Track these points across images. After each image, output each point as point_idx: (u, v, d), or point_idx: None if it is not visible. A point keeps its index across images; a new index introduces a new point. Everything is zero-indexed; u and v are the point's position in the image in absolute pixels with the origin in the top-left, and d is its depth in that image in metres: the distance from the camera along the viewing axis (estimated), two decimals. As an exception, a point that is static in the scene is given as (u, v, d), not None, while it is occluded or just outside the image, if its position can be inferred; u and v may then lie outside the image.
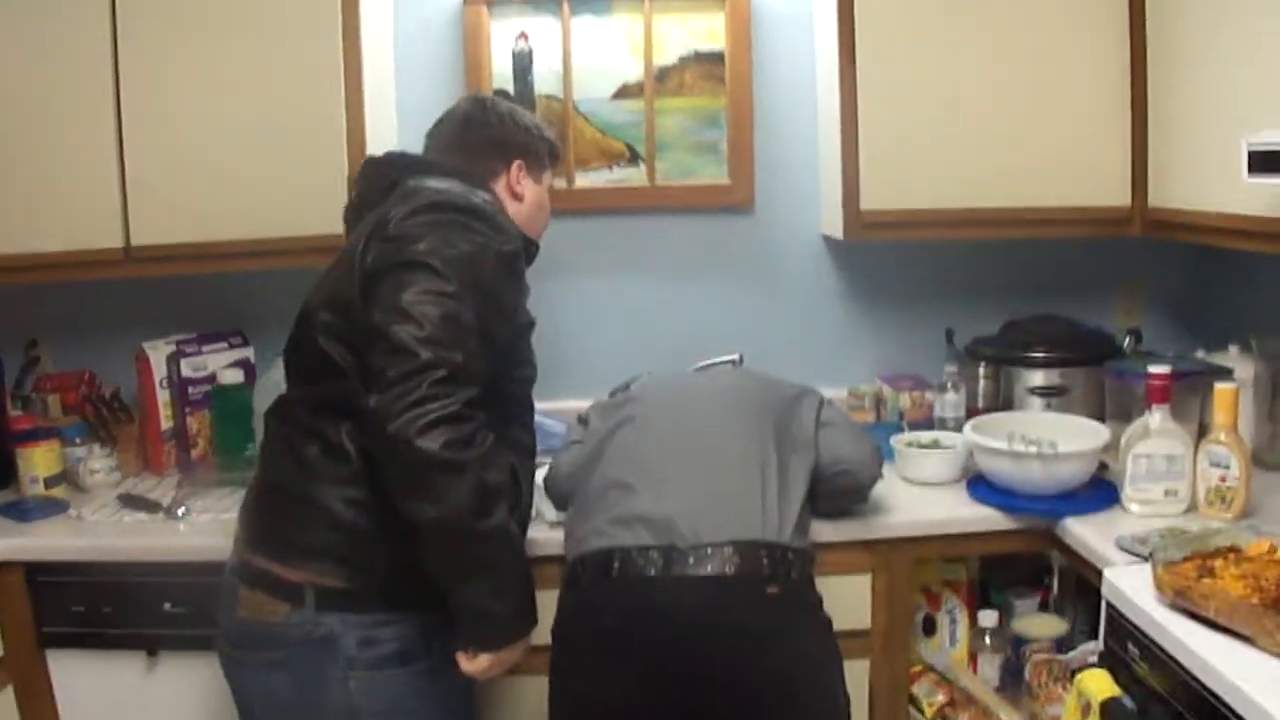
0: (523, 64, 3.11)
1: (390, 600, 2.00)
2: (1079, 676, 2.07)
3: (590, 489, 2.26)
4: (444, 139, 2.32)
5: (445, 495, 1.83)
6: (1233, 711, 1.67)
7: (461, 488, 1.84)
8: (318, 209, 2.72)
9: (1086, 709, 2.01)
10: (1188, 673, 1.80)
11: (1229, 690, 1.69)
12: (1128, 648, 2.01)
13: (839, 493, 2.45)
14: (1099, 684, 2.01)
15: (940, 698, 2.61)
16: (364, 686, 1.98)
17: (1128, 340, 3.02)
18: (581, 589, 2.13)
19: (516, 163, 2.30)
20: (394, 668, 2.01)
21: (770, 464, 2.22)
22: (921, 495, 2.69)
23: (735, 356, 2.86)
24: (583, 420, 2.53)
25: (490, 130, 2.30)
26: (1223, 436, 2.36)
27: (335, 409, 1.99)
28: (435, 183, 2.11)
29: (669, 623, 2.04)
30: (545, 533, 2.50)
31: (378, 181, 2.19)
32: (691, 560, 2.06)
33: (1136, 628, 1.98)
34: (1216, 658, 1.75)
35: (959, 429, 2.81)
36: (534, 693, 2.31)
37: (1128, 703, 1.95)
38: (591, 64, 3.14)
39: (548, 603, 2.17)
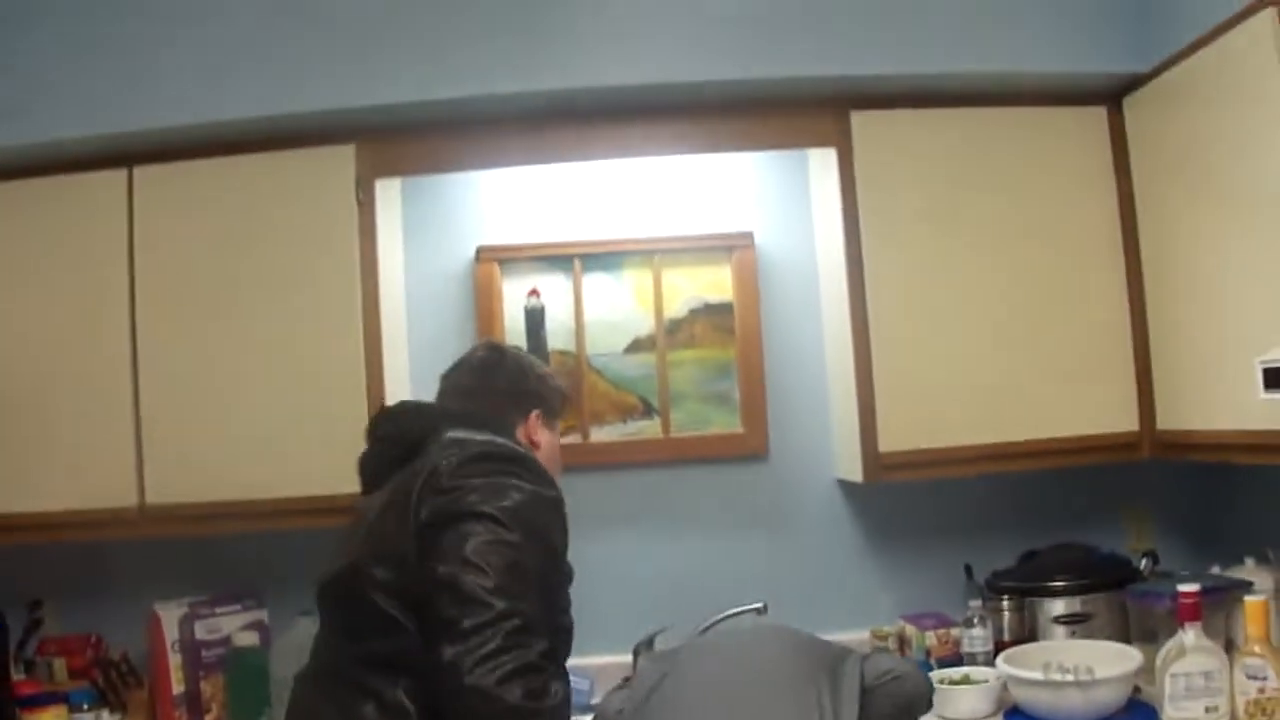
0: (535, 320, 3.20)
1: None
2: None
3: None
4: (462, 386, 2.33)
5: None
6: None
7: None
8: (336, 469, 2.65)
9: None
10: None
11: None
12: None
13: (895, 703, 2.38)
14: None
15: None
16: None
17: (1144, 562, 3.03)
18: None
19: (535, 412, 2.32)
20: None
21: (825, 697, 2.21)
22: (960, 731, 2.64)
23: (759, 605, 2.88)
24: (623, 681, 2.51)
25: (509, 378, 2.33)
26: (1257, 649, 2.35)
27: (390, 666, 1.93)
28: (473, 434, 2.11)
29: None
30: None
31: (409, 431, 2.17)
32: None
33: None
34: None
35: (988, 663, 2.81)
36: None
37: None
38: (603, 318, 3.25)
39: None
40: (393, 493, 2.03)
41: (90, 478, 2.86)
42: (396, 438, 2.18)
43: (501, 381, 2.32)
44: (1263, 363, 2.11)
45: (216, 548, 3.15)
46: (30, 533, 2.87)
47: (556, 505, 2.03)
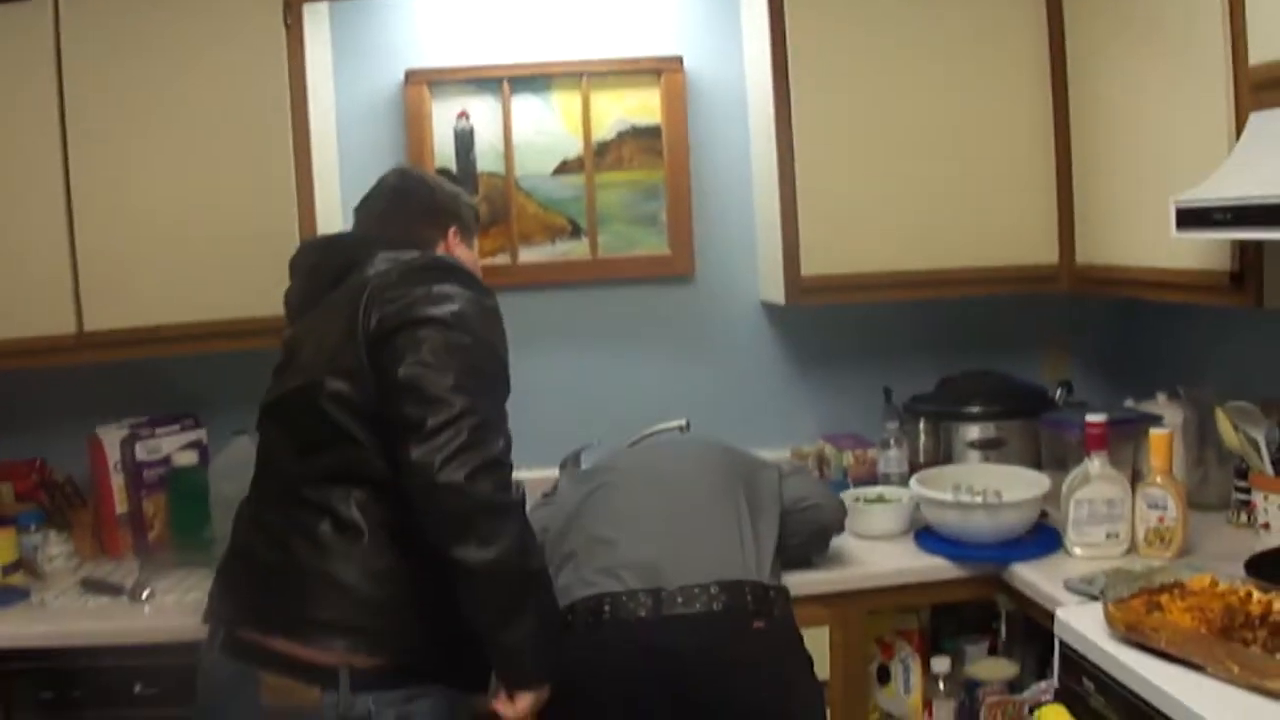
0: (464, 142, 3.20)
1: (421, 674, 2.01)
2: (1038, 713, 2.16)
3: (567, 547, 2.33)
4: (377, 212, 2.37)
5: (497, 538, 1.88)
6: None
7: (511, 529, 1.91)
8: (268, 291, 2.70)
9: (1049, 743, 2.10)
10: (1144, 702, 1.90)
11: (1186, 716, 1.78)
12: (1083, 683, 2.11)
13: (807, 530, 2.55)
14: (1058, 718, 2.10)
15: (898, 745, 2.69)
16: None
17: (1059, 392, 3.14)
18: (574, 635, 2.16)
19: (452, 229, 2.37)
20: None
21: (743, 513, 2.33)
22: (872, 548, 2.78)
23: (681, 422, 2.95)
24: (547, 495, 2.60)
25: (421, 200, 2.37)
26: (1159, 480, 2.49)
27: (343, 480, 2.01)
28: (402, 253, 2.15)
29: (663, 661, 2.10)
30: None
31: (337, 261, 2.21)
32: (680, 600, 2.14)
33: (1091, 663, 2.07)
34: (1172, 686, 1.84)
35: (903, 484, 2.93)
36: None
37: (1089, 739, 2.05)
38: (532, 141, 3.24)
39: None
40: (333, 312, 2.09)
41: (27, 306, 2.84)
42: (324, 268, 2.23)
43: (415, 204, 2.36)
44: (1177, 203, 2.15)
45: (153, 371, 3.17)
46: None
47: (496, 313, 2.11)
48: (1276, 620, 1.90)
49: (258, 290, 2.79)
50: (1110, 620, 2.04)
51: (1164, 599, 2.04)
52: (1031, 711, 2.22)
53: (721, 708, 2.10)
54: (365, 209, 2.39)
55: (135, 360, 3.02)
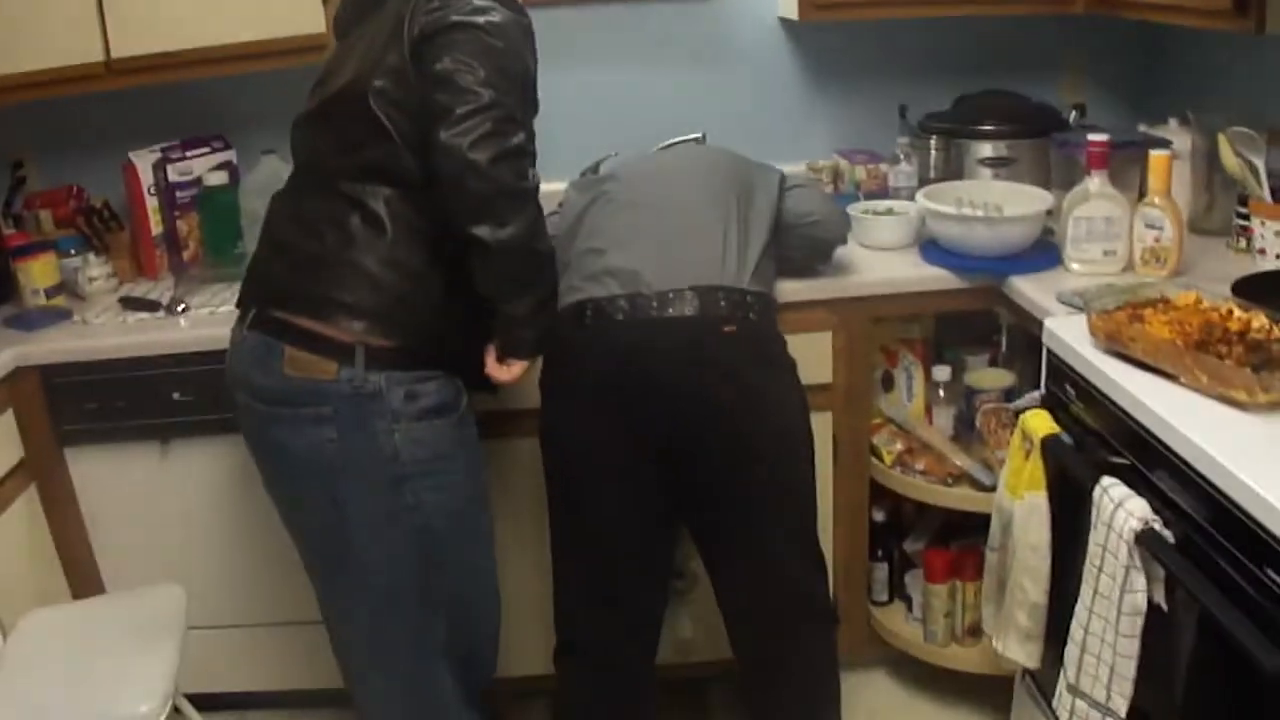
0: None
1: (429, 359, 2.18)
2: (1022, 418, 2.30)
3: (563, 256, 2.44)
4: None
5: (513, 218, 2.06)
6: (1157, 439, 1.90)
7: (527, 212, 2.09)
8: (293, 11, 2.85)
9: (1029, 447, 2.24)
10: (1118, 408, 2.03)
11: (1155, 421, 1.91)
12: (1065, 390, 2.24)
13: (809, 244, 2.65)
14: (1040, 423, 2.24)
15: (899, 446, 2.84)
16: (407, 436, 2.15)
17: (1073, 115, 3.13)
18: (559, 338, 2.31)
19: None
20: (433, 419, 2.19)
21: (732, 220, 2.41)
22: (878, 258, 2.88)
23: (698, 135, 3.00)
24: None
25: None
26: (1157, 200, 2.53)
27: (377, 175, 2.14)
28: None
29: (638, 359, 2.26)
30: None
31: None
32: (655, 305, 2.26)
33: (1073, 370, 2.20)
34: (1144, 393, 1.97)
35: (912, 198, 2.98)
36: (517, 451, 2.67)
37: (1066, 439, 2.19)
38: None
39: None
40: (379, 22, 2.19)
41: (55, 36, 2.86)
42: None
43: None
44: None
45: (181, 95, 3.21)
46: (3, 95, 2.89)
47: (530, 31, 2.22)
48: (1253, 338, 1.98)
49: (281, 10, 2.85)
50: (1093, 330, 2.15)
51: (1147, 312, 2.14)
52: (1018, 416, 2.35)
53: (693, 406, 2.24)
54: None
55: (164, 85, 3.04)
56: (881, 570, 3.04)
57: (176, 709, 2.45)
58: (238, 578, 2.91)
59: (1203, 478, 1.75)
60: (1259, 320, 2.03)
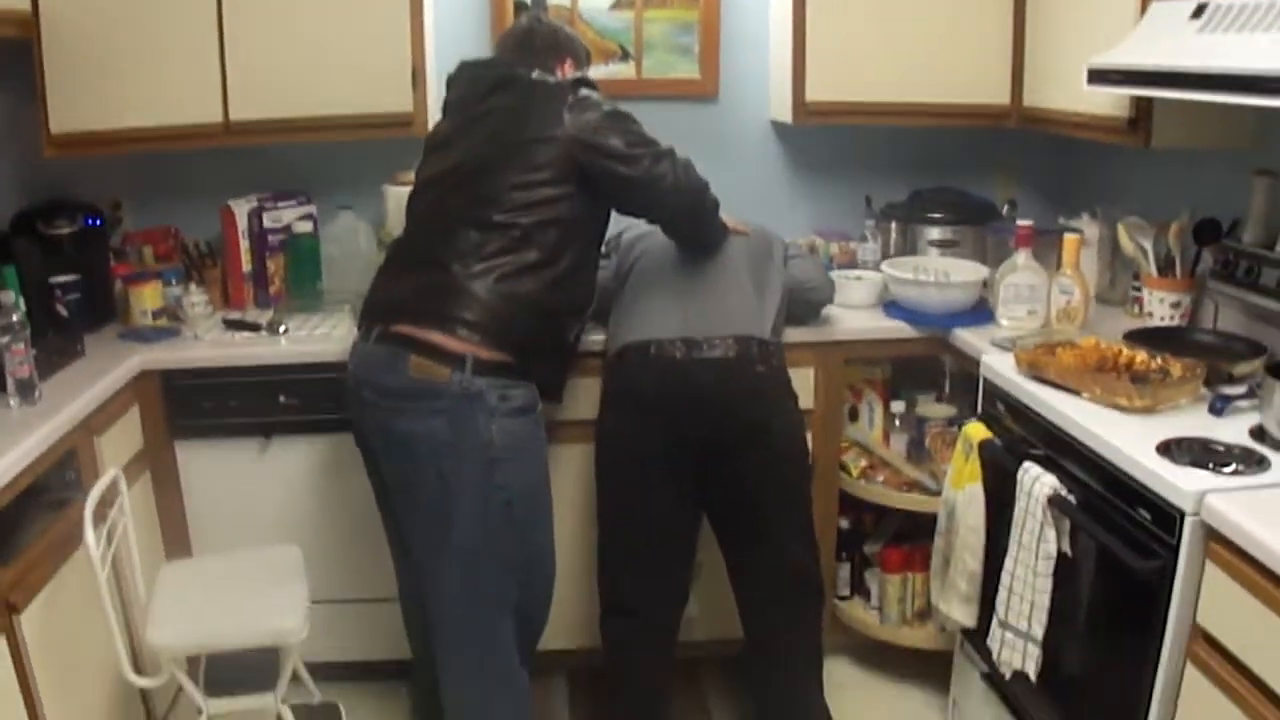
0: None
1: (519, 371, 2.76)
2: (963, 429, 2.98)
3: (626, 304, 3.12)
4: (512, 45, 3.06)
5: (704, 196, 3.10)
6: (1064, 433, 2.60)
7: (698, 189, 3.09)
8: (382, 91, 3.43)
9: (969, 449, 2.92)
10: (1036, 414, 2.73)
11: (1063, 421, 2.61)
12: (997, 406, 2.93)
13: (807, 305, 3.35)
14: (977, 431, 2.92)
15: (863, 463, 3.53)
16: (501, 427, 2.70)
17: (1006, 208, 3.83)
18: (627, 366, 2.96)
19: (568, 60, 3.07)
20: (520, 417, 2.75)
21: (755, 282, 3.10)
22: (849, 314, 3.54)
23: None
24: (605, 254, 3.32)
25: (547, 38, 3.06)
26: (1069, 271, 3.24)
27: (495, 229, 2.75)
28: (546, 74, 2.92)
29: (689, 384, 2.91)
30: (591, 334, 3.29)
31: (491, 74, 2.96)
32: (704, 348, 2.92)
33: (1003, 391, 2.90)
34: (1055, 403, 2.67)
35: (877, 269, 3.68)
36: (579, 454, 3.23)
37: (997, 441, 2.87)
38: None
39: (593, 386, 3.11)
40: (505, 109, 2.86)
41: (182, 98, 3.35)
42: (482, 80, 2.97)
43: (541, 41, 3.05)
44: (1089, 65, 2.79)
45: (269, 154, 3.73)
46: (125, 145, 3.36)
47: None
48: (1136, 369, 2.72)
49: (379, 90, 3.43)
50: (1018, 360, 2.85)
51: (1058, 349, 2.85)
52: (959, 428, 3.04)
53: (733, 421, 2.92)
54: (504, 43, 3.10)
55: (258, 145, 3.55)
56: (845, 570, 3.68)
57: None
58: (315, 558, 3.15)
59: (1097, 455, 2.46)
60: (1140, 356, 2.76)
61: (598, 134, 2.81)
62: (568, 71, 3.06)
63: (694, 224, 3.08)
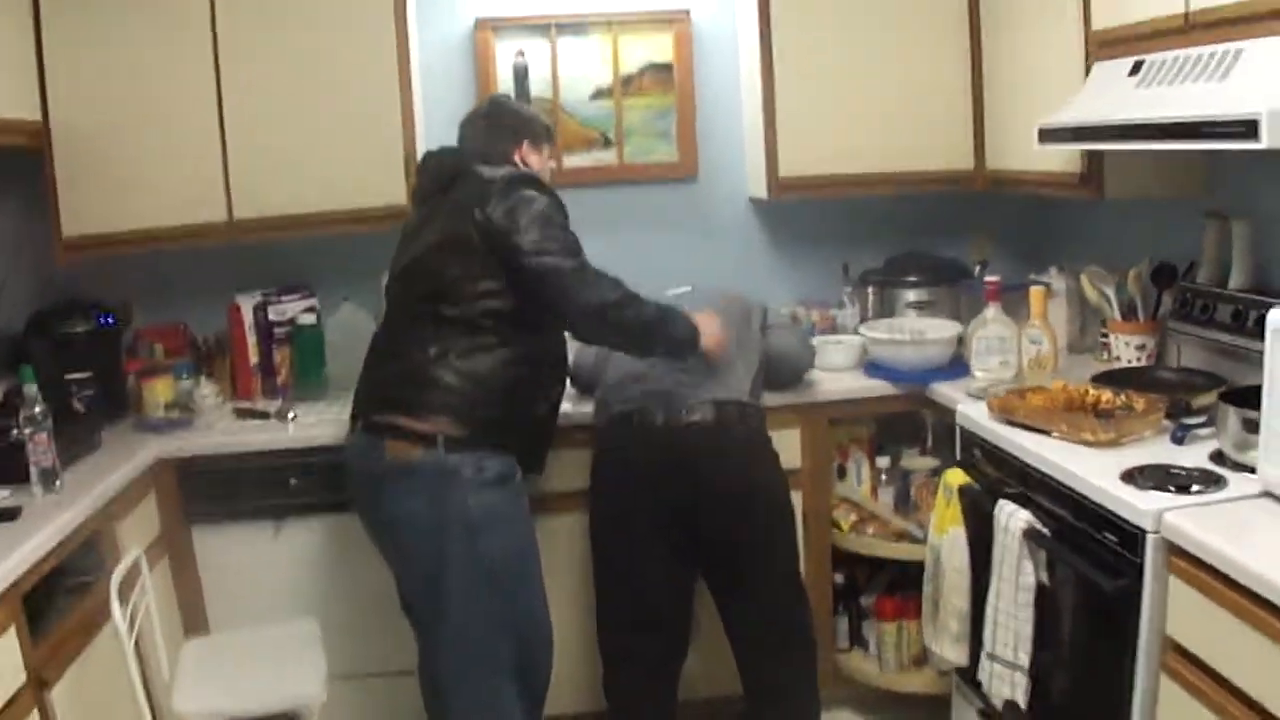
0: (521, 74, 4.00)
1: (490, 443, 2.89)
2: (943, 476, 3.12)
3: (609, 379, 3.26)
4: (476, 130, 3.19)
5: (638, 313, 2.98)
6: (1036, 470, 2.74)
7: (634, 306, 2.97)
8: (377, 187, 3.59)
9: (950, 495, 3.05)
10: (1009, 455, 2.88)
11: (1034, 459, 2.76)
12: (974, 452, 3.08)
13: (790, 374, 3.51)
14: (956, 477, 3.06)
15: (853, 517, 3.65)
16: (479, 500, 2.84)
17: (978, 268, 3.99)
18: (612, 436, 3.12)
19: (524, 142, 3.18)
20: (497, 487, 2.88)
21: (734, 349, 3.23)
22: (831, 377, 3.70)
23: (689, 288, 3.74)
24: None
25: (505, 120, 3.20)
26: (1036, 322, 3.39)
27: (451, 317, 2.89)
28: (492, 169, 2.99)
29: (672, 451, 3.07)
30: (577, 408, 3.45)
31: (445, 167, 3.08)
32: (684, 413, 3.07)
33: (978, 437, 3.05)
34: (1026, 443, 2.82)
35: (856, 333, 3.83)
36: (575, 524, 3.35)
37: (976, 486, 3.00)
38: (573, 73, 4.06)
39: (582, 458, 3.23)
40: (450, 207, 2.95)
41: (187, 199, 3.53)
42: (439, 171, 3.09)
43: (499, 123, 3.18)
44: (1040, 126, 3.00)
45: (271, 250, 3.89)
46: (134, 245, 3.55)
47: (561, 205, 3.01)
48: (1102, 407, 2.88)
49: (375, 185, 3.60)
50: (990, 407, 3.01)
51: (1028, 394, 3.01)
52: (940, 476, 3.17)
53: (714, 480, 3.06)
54: (468, 125, 3.21)
55: (258, 242, 3.72)
56: (843, 622, 3.79)
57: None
58: (331, 634, 3.20)
59: (1066, 487, 2.61)
60: (1106, 395, 2.91)
61: (511, 225, 2.88)
62: (525, 153, 3.17)
63: (606, 334, 3.05)
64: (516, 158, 3.15)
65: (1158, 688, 2.34)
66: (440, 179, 3.07)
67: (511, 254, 2.86)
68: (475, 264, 2.88)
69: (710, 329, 3.08)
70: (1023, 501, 2.75)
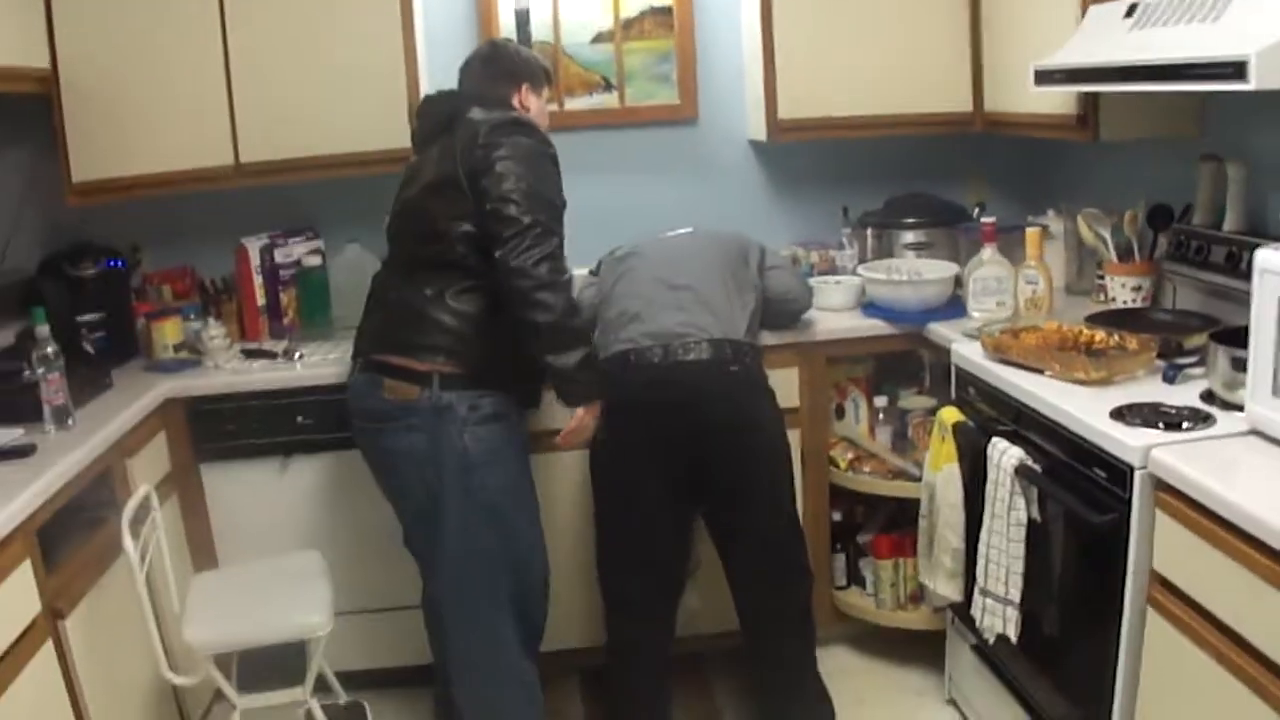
0: (523, 18, 4.03)
1: (485, 381, 2.94)
2: (938, 414, 3.17)
3: (609, 317, 3.29)
4: (475, 74, 3.22)
5: (553, 305, 2.82)
6: (1029, 408, 2.79)
7: (561, 299, 2.84)
8: (379, 129, 3.63)
9: (945, 433, 3.11)
10: (1003, 393, 2.92)
11: (1027, 397, 2.81)
12: (968, 390, 3.13)
13: (787, 314, 3.54)
14: (951, 414, 3.12)
15: (850, 455, 3.71)
16: (474, 435, 2.90)
17: (976, 210, 4.00)
18: (611, 374, 3.13)
19: (524, 85, 3.22)
20: (491, 424, 2.93)
21: (730, 288, 3.27)
22: (829, 316, 3.74)
23: (690, 229, 3.75)
24: (594, 272, 3.53)
25: (503, 64, 3.22)
26: (1032, 263, 3.44)
27: (445, 258, 2.93)
28: (489, 112, 3.01)
29: (669, 389, 3.11)
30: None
31: (444, 110, 3.10)
32: (680, 352, 3.11)
33: (973, 375, 3.09)
34: (1020, 381, 2.86)
35: (854, 274, 3.87)
36: (576, 460, 3.41)
37: (970, 423, 3.06)
38: (574, 17, 4.08)
39: None
40: (442, 151, 2.98)
41: (195, 144, 3.57)
42: (438, 115, 3.11)
43: (498, 67, 3.20)
44: (1035, 67, 3.02)
45: (275, 193, 3.89)
46: (143, 189, 3.59)
47: (554, 156, 3.00)
48: (1095, 347, 2.92)
49: (378, 128, 3.62)
50: (984, 345, 3.05)
51: (1022, 333, 3.05)
52: (934, 415, 3.23)
53: (711, 418, 3.09)
54: (466, 69, 3.24)
55: (265, 185, 3.75)
56: (840, 560, 3.85)
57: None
58: (336, 569, 3.24)
59: (1057, 424, 2.66)
60: (1099, 335, 2.95)
61: (486, 168, 2.88)
62: (524, 96, 3.20)
63: (523, 308, 2.84)
64: (515, 101, 3.18)
65: (1144, 621, 2.40)
66: (439, 122, 3.09)
67: (480, 196, 2.87)
68: (462, 206, 2.91)
69: (583, 422, 3.01)
70: (1015, 439, 2.81)
